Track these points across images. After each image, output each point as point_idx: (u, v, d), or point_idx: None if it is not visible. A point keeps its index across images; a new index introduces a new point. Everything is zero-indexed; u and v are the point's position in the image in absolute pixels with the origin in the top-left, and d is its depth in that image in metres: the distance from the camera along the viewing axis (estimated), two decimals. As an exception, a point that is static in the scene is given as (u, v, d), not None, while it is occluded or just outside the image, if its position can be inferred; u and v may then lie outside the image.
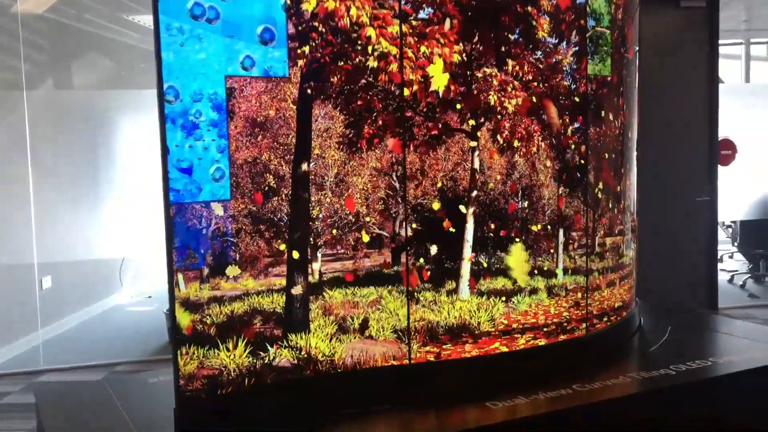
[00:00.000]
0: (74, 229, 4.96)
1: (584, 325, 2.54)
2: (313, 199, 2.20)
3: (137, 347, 5.22)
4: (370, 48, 2.16)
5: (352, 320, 2.22)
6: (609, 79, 2.64)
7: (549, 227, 2.51)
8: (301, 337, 2.13)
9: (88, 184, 5.02)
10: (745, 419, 2.42)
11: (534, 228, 2.48)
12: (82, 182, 5.01)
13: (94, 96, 5.35)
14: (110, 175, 5.11)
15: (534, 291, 2.46)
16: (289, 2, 2.09)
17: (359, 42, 2.15)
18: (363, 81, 2.19)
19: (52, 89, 5.43)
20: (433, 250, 2.32)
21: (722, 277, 6.54)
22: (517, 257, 2.44)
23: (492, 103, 2.36)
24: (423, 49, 2.22)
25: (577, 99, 2.53)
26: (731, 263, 7.85)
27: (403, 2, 2.19)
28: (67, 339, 5.49)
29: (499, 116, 2.38)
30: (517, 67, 2.40)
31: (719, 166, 5.68)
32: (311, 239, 2.20)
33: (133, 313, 6.46)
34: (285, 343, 2.14)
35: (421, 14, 2.23)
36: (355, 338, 2.21)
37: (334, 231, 2.22)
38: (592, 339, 2.61)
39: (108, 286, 6.66)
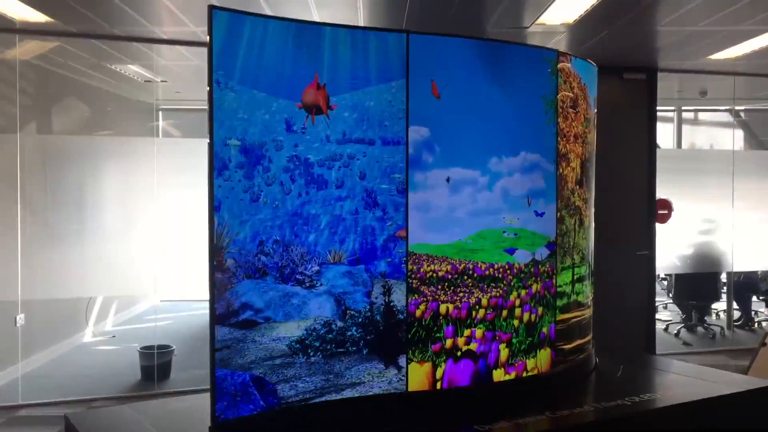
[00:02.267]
0: (49, 267, 5.13)
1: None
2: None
3: (113, 383, 5.38)
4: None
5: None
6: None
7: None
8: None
9: (65, 224, 5.21)
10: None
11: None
12: (65, 222, 5.20)
13: (78, 140, 5.58)
14: (84, 216, 5.29)
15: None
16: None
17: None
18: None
19: (35, 133, 5.65)
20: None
21: (658, 326, 7.08)
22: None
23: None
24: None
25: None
26: (665, 314, 8.44)
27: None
28: (40, 375, 5.60)
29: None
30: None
31: (657, 223, 6.25)
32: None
33: (100, 352, 6.58)
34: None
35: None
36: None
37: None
38: (559, 374, 2.99)
39: (75, 325, 6.76)
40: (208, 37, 2.21)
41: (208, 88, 2.22)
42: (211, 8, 2.21)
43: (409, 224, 2.55)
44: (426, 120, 2.57)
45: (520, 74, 2.76)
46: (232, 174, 2.26)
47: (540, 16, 4.27)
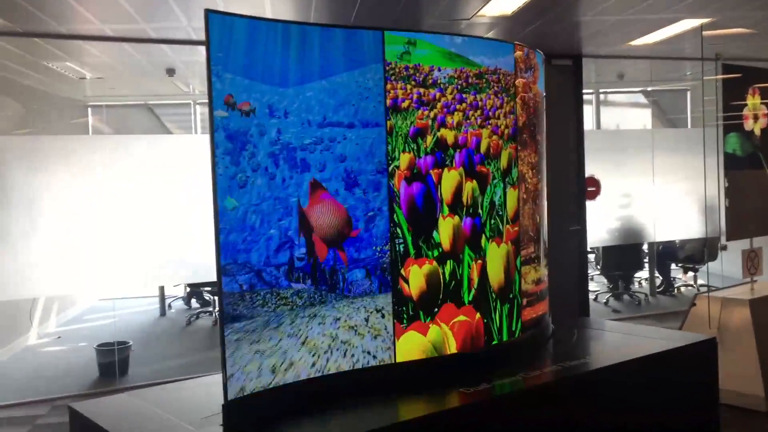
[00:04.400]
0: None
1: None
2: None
3: (71, 382, 5.37)
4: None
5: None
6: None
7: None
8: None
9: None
10: (643, 390, 3.16)
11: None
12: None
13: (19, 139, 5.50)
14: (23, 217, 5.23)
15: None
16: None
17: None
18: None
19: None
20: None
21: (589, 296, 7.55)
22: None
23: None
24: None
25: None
26: (593, 285, 8.97)
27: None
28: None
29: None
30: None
31: (587, 200, 6.66)
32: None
33: (49, 353, 6.51)
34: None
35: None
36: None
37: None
38: (525, 340, 3.28)
39: (18, 328, 6.65)
40: (205, 35, 2.37)
41: (207, 82, 2.38)
42: (207, 11, 2.38)
43: (393, 207, 2.77)
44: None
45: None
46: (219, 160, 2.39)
47: (482, 8, 4.53)
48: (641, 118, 10.76)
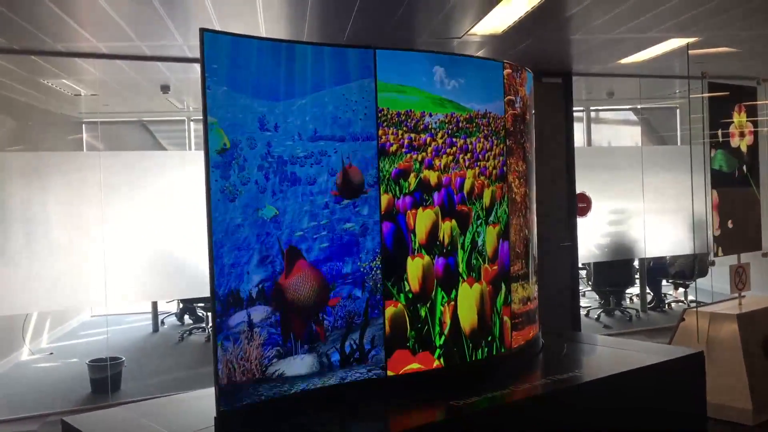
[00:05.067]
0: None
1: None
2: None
3: (63, 398, 5.37)
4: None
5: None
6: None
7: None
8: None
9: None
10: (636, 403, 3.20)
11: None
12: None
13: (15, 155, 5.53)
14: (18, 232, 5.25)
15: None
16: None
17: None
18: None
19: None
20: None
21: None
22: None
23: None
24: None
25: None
26: (584, 301, 9.02)
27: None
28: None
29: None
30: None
31: (577, 216, 6.73)
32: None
33: (41, 369, 6.50)
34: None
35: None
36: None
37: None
38: (515, 353, 3.32)
39: (10, 344, 6.65)
40: (199, 53, 2.44)
41: (201, 96, 2.44)
42: (203, 30, 2.45)
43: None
44: (395, 127, 2.85)
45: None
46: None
47: (473, 27, 4.61)
48: (631, 135, 10.87)
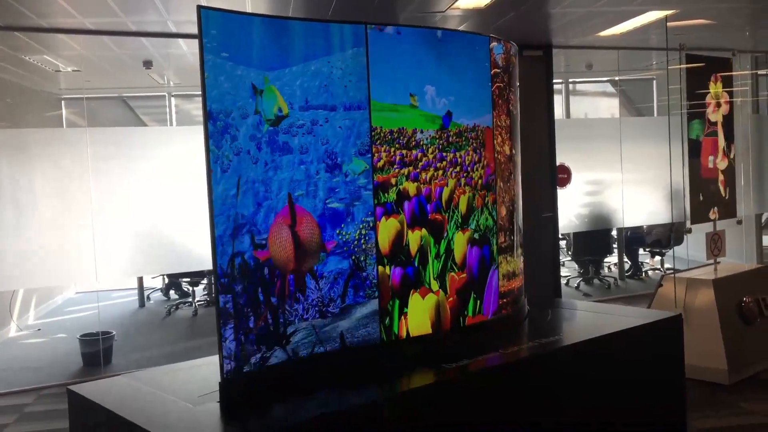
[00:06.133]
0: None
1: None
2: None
3: (56, 372, 5.44)
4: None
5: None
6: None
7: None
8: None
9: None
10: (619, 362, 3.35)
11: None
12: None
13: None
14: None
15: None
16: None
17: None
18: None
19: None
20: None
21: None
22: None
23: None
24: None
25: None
26: (564, 270, 9.20)
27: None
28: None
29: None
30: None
31: (558, 187, 6.87)
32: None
33: (30, 344, 6.55)
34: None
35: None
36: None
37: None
38: (502, 319, 3.45)
39: (0, 320, 6.68)
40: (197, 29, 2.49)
41: (199, 72, 2.49)
42: (200, 7, 2.50)
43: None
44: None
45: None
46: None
47: (456, 1, 4.68)
48: (609, 107, 11.02)
